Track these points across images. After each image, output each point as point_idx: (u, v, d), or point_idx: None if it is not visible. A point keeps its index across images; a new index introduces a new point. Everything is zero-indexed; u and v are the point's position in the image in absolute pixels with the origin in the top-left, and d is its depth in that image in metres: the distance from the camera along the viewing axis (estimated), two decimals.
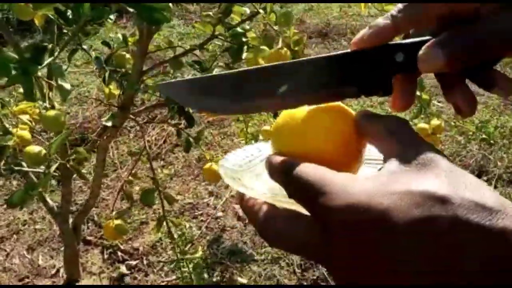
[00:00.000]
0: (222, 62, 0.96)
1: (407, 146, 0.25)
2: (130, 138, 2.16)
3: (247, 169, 0.32)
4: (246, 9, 0.86)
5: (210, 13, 0.76)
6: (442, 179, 0.22)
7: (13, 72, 0.49)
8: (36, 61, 0.52)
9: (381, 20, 0.29)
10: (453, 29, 0.27)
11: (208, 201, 1.83)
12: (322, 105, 0.30)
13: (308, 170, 0.25)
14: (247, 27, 0.93)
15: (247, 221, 1.71)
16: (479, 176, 1.85)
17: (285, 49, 0.75)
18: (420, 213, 0.21)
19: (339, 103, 0.31)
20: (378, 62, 0.28)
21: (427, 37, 0.28)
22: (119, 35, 1.00)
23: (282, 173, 0.27)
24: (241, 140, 1.89)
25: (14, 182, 1.97)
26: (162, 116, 2.20)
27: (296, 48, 0.75)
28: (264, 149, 0.34)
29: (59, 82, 0.52)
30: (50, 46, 0.53)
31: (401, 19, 0.28)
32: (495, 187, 1.80)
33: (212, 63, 0.92)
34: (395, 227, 0.21)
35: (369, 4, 1.04)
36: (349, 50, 0.29)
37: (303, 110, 0.30)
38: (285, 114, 0.30)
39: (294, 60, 0.29)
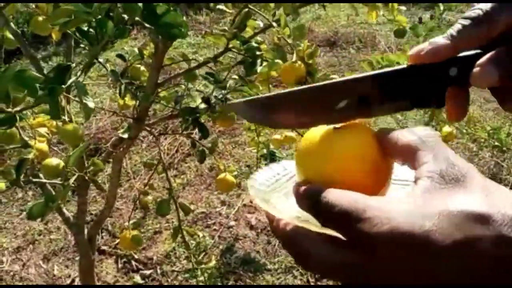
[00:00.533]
0: (236, 75, 0.97)
1: (437, 161, 0.25)
2: (143, 148, 2.19)
3: (274, 189, 0.32)
4: (260, 23, 0.87)
5: (226, 28, 0.77)
6: (477, 195, 0.22)
7: (39, 92, 0.51)
8: (60, 80, 0.54)
9: (441, 39, 0.29)
10: (506, 46, 0.27)
11: (220, 210, 1.84)
12: (342, 124, 0.30)
13: (339, 198, 0.25)
14: (259, 39, 0.94)
15: (259, 230, 1.72)
16: None
17: (299, 62, 0.76)
18: (462, 235, 0.21)
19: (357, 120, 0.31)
20: (433, 77, 0.29)
21: (479, 51, 0.28)
22: (135, 49, 1.02)
23: (312, 204, 0.26)
24: (252, 149, 1.90)
25: (30, 193, 2.00)
26: (174, 126, 2.22)
27: (310, 61, 0.77)
28: (290, 167, 0.34)
29: (84, 100, 0.53)
30: (73, 65, 0.55)
31: (460, 40, 0.28)
32: None
33: (226, 76, 0.94)
34: (438, 250, 0.21)
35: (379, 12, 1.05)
36: (402, 66, 0.29)
37: (324, 131, 0.30)
38: (307, 137, 0.30)
39: (346, 78, 0.30)
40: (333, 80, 0.30)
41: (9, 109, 0.51)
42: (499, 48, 0.27)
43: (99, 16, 0.55)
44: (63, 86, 0.53)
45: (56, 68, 0.54)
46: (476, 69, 0.27)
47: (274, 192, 0.32)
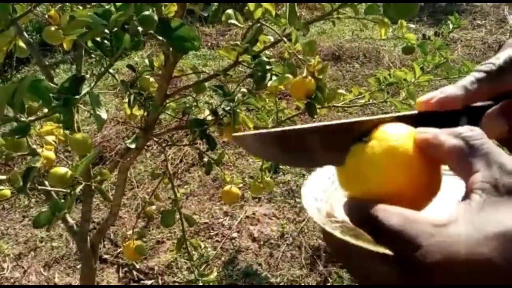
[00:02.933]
0: (245, 88, 0.97)
1: (490, 169, 0.23)
2: (147, 157, 2.19)
3: (325, 199, 0.31)
4: (270, 38, 0.88)
5: (237, 42, 0.78)
6: None
7: (54, 102, 0.52)
8: (74, 91, 0.54)
9: (454, 90, 0.29)
10: None
11: (223, 221, 1.83)
12: (386, 125, 0.28)
13: (388, 216, 0.23)
14: (268, 53, 0.95)
15: (262, 242, 1.71)
16: None
17: (309, 77, 0.76)
18: None
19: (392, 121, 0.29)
20: (442, 125, 0.28)
21: (489, 102, 0.28)
22: (146, 60, 1.03)
23: (362, 221, 0.25)
24: (257, 160, 1.90)
25: (33, 199, 2.00)
26: (178, 136, 2.22)
27: (320, 76, 0.77)
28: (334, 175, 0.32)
29: (97, 111, 0.53)
30: (88, 76, 0.56)
31: (473, 93, 0.28)
32: None
33: (235, 89, 0.95)
34: (501, 277, 0.20)
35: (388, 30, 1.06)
36: (413, 112, 0.29)
37: (361, 144, 0.28)
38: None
39: (360, 119, 0.29)
40: (349, 120, 0.29)
41: (24, 118, 0.51)
42: (509, 100, 0.27)
43: (115, 29, 0.56)
44: (77, 96, 0.53)
45: (70, 79, 0.55)
46: (485, 120, 0.27)
47: (325, 202, 0.30)
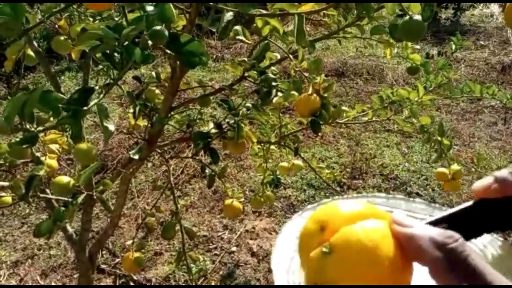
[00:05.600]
0: (250, 103, 0.98)
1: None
2: (148, 167, 2.19)
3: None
4: (277, 55, 0.89)
5: (245, 59, 0.79)
6: None
7: (63, 113, 0.52)
8: (83, 102, 0.55)
9: (509, 176, 0.31)
10: None
11: (222, 235, 1.82)
12: (347, 218, 0.28)
13: None
14: (273, 69, 0.96)
15: (261, 257, 1.70)
16: None
17: (314, 95, 0.77)
18: None
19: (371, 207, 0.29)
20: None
21: None
22: (153, 73, 1.04)
23: None
24: (259, 174, 1.90)
25: (33, 206, 1.99)
26: (180, 147, 2.23)
27: (326, 94, 0.78)
28: None
29: (104, 123, 0.54)
30: (97, 87, 0.56)
31: None
32: None
33: (241, 104, 0.95)
34: None
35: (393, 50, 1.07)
36: (468, 204, 0.31)
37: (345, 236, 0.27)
38: (308, 236, 0.28)
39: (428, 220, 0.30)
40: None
41: (33, 129, 0.52)
42: None
43: (126, 42, 0.57)
44: (86, 108, 0.54)
45: (80, 90, 0.55)
46: None
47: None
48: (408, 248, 0.26)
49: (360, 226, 0.27)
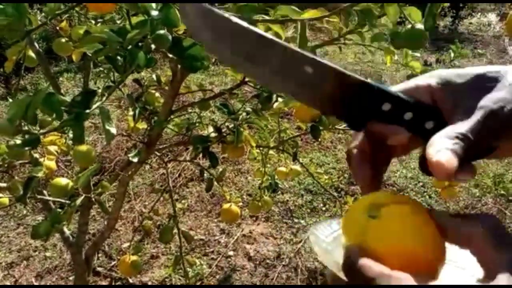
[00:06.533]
0: (249, 107, 0.98)
1: (502, 249, 0.23)
2: (146, 170, 2.19)
3: (332, 249, 0.31)
4: None
5: None
6: None
7: (65, 115, 0.52)
8: (85, 105, 0.55)
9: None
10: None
11: (219, 239, 1.82)
12: (395, 200, 0.29)
13: (369, 269, 0.24)
14: None
15: (258, 262, 1.70)
16: None
17: None
18: None
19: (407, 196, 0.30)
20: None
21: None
22: (153, 76, 1.04)
23: (346, 265, 0.26)
24: (257, 179, 1.90)
25: (29, 207, 1.98)
26: (178, 150, 2.22)
27: None
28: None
29: (106, 126, 0.54)
30: (99, 90, 0.56)
31: None
32: None
33: (240, 108, 0.95)
34: None
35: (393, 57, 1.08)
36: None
37: (378, 204, 0.28)
38: (356, 209, 0.29)
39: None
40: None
41: (35, 131, 0.52)
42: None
43: (130, 46, 0.57)
44: (88, 111, 0.54)
45: (82, 93, 0.55)
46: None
47: (334, 250, 0.31)
48: (446, 228, 0.27)
49: (410, 206, 0.28)
